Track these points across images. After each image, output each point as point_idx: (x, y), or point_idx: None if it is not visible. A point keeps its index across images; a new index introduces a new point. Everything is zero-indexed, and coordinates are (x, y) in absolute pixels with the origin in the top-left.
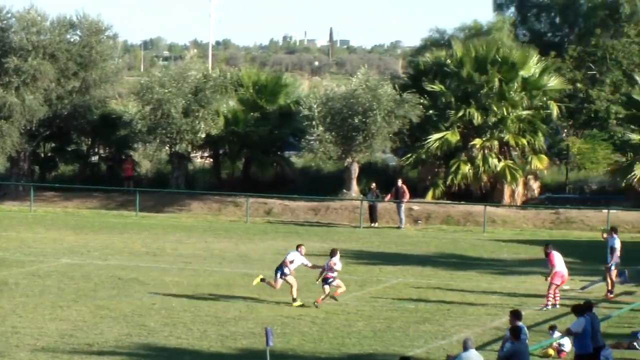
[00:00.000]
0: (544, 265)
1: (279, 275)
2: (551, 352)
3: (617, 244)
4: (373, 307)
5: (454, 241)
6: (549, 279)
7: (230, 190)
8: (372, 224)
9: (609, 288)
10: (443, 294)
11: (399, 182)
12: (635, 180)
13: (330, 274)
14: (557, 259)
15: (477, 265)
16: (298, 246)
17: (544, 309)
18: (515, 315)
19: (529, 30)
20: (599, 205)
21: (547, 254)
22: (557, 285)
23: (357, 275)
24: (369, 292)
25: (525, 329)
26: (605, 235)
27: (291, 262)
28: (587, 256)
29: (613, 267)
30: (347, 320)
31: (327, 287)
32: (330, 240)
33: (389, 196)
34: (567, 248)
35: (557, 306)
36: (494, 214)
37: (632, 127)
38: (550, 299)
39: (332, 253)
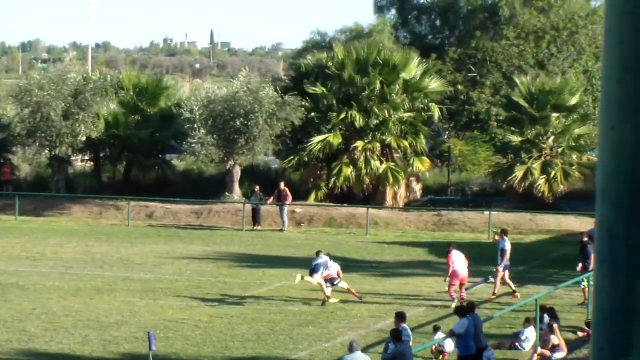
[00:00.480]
0: (426, 267)
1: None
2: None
3: (508, 246)
4: (256, 310)
5: (336, 243)
6: (447, 279)
7: (111, 194)
8: (255, 227)
9: (512, 289)
10: None
11: (282, 185)
12: (516, 181)
13: (331, 274)
14: (455, 258)
15: (360, 267)
16: (319, 252)
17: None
18: (400, 317)
19: (410, 32)
20: (480, 207)
21: (447, 254)
22: (454, 285)
23: (240, 278)
24: (252, 295)
25: (409, 330)
26: (496, 237)
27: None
28: (470, 257)
29: (502, 269)
30: (230, 323)
31: (342, 285)
32: (213, 243)
33: (271, 199)
34: None
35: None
36: (377, 216)
37: (512, 128)
38: (454, 296)
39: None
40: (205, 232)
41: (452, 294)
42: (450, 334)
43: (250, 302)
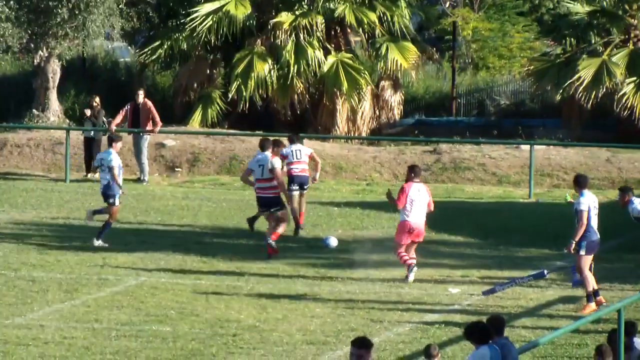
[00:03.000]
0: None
1: None
2: None
3: (583, 205)
4: (93, 331)
5: (242, 204)
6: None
7: None
8: (90, 174)
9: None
10: None
11: (140, 95)
12: (581, 89)
13: None
14: (414, 197)
15: (291, 251)
16: None
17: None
18: (361, 343)
19: None
20: (513, 138)
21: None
22: (403, 245)
23: (65, 271)
24: (84, 302)
25: None
26: (570, 199)
27: None
28: (493, 230)
29: (583, 251)
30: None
31: None
32: (10, 205)
33: (118, 118)
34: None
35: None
36: (320, 153)
37: None
38: (409, 261)
39: None
40: None
41: (404, 256)
42: None
43: (83, 312)
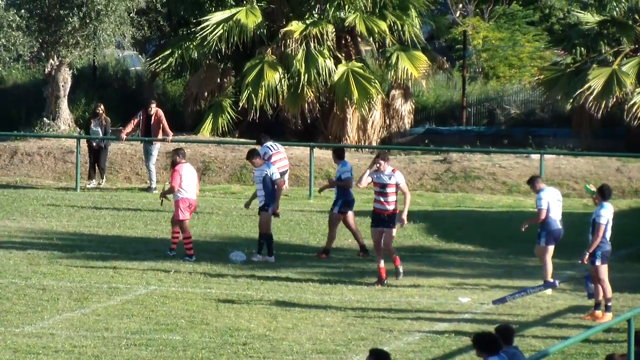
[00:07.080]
0: (421, 260)
1: None
2: None
3: (606, 215)
4: (104, 339)
5: (255, 215)
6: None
7: None
8: (92, 182)
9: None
10: None
11: (152, 106)
12: (591, 98)
13: None
14: (187, 175)
15: (302, 261)
16: None
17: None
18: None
19: None
20: (522, 147)
21: (173, 165)
22: (185, 221)
23: (74, 280)
24: (93, 311)
25: None
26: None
27: None
28: (498, 240)
29: (599, 261)
30: None
31: None
32: (21, 214)
33: (129, 127)
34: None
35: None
36: (330, 161)
37: None
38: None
39: None
40: (8, 194)
41: (176, 239)
42: None
43: (94, 320)
